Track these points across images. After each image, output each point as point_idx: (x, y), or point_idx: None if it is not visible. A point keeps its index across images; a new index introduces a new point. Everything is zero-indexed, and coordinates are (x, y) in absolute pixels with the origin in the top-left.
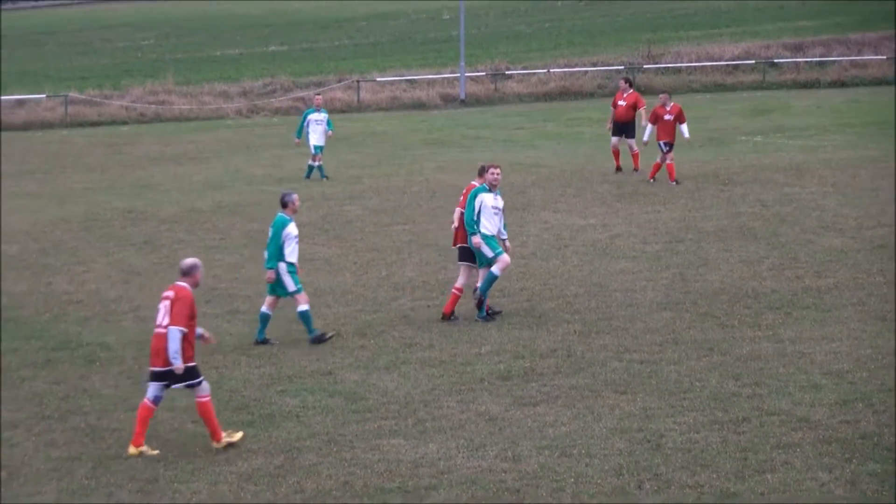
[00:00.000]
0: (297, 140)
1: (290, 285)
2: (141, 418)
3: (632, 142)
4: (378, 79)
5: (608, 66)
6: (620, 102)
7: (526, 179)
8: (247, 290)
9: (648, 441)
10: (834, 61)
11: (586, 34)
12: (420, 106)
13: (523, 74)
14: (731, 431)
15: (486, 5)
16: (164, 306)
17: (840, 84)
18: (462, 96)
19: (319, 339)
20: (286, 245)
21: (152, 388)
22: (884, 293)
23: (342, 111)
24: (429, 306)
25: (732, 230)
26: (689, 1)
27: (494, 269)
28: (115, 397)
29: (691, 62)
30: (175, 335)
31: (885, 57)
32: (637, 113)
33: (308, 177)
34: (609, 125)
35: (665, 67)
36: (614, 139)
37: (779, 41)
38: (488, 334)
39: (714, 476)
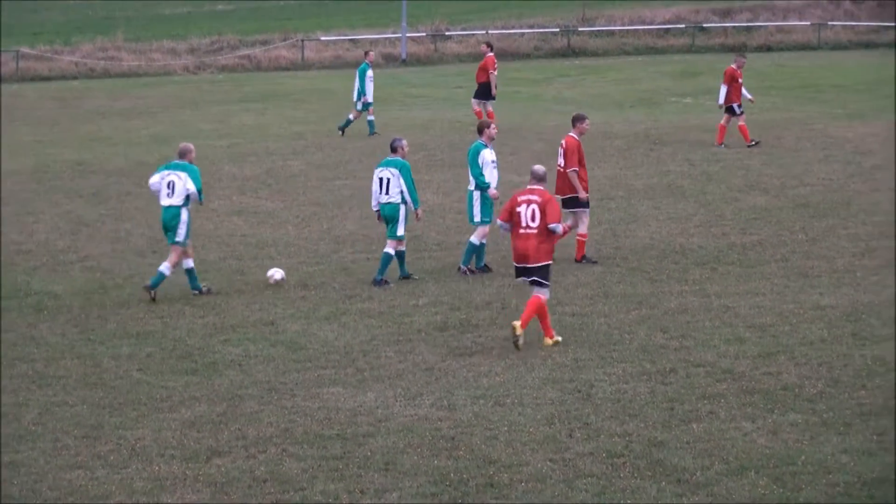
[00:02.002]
0: (364, 98)
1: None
2: (541, 314)
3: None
4: (322, 38)
5: (544, 28)
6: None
7: (464, 138)
8: (194, 241)
9: (579, 391)
10: (760, 26)
11: None
12: None
13: (462, 35)
14: (658, 382)
15: None
16: (530, 209)
17: (766, 48)
18: (403, 56)
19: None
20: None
21: (532, 287)
22: (805, 250)
23: (287, 69)
24: (368, 259)
25: (661, 188)
26: None
27: (474, 238)
28: (61, 345)
29: (624, 25)
30: (558, 230)
31: (808, 23)
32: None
33: (373, 132)
34: (494, 91)
35: (599, 30)
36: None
37: (708, 6)
38: (426, 287)
39: (642, 425)
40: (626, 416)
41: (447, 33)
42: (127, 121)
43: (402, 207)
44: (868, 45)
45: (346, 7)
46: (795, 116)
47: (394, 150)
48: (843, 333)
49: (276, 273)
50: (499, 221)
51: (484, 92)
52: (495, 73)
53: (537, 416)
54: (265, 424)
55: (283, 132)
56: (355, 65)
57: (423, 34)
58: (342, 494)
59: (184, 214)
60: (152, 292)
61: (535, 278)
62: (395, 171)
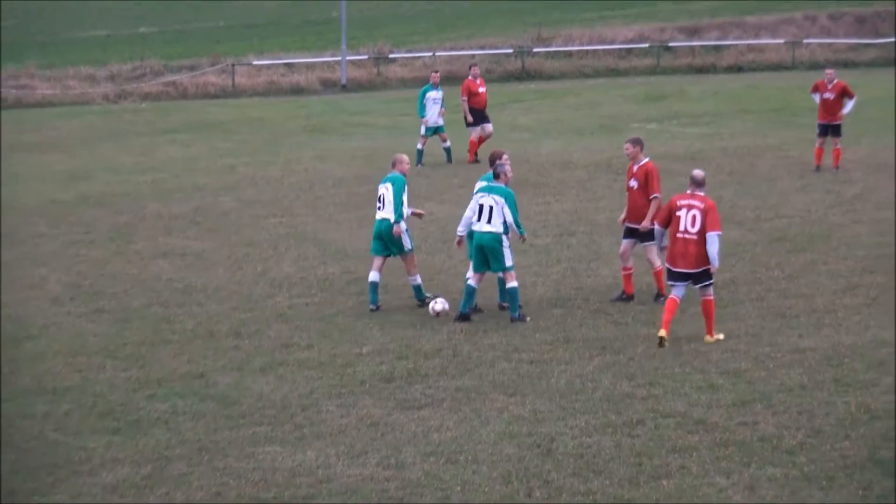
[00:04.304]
0: (424, 119)
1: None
2: (669, 309)
3: (490, 126)
4: (254, 62)
5: (496, 49)
6: (481, 90)
7: (411, 170)
8: (113, 287)
9: (538, 446)
10: (730, 45)
11: (474, 16)
12: (299, 91)
13: (407, 58)
14: (624, 435)
15: None
16: (690, 214)
17: (737, 69)
18: (343, 81)
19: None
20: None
21: (679, 289)
22: (782, 288)
23: (216, 97)
24: (307, 304)
25: None
26: None
27: (513, 282)
28: None
29: (583, 45)
30: (716, 240)
31: (782, 41)
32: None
33: (420, 162)
34: (471, 118)
35: (556, 51)
36: (477, 128)
37: (674, 24)
38: (370, 333)
39: (607, 482)
40: (590, 472)
41: (391, 56)
42: (40, 155)
43: (505, 238)
44: (847, 65)
45: (280, 29)
46: (770, 142)
47: (496, 175)
48: (824, 379)
49: (438, 303)
50: (656, 226)
51: (487, 116)
52: (464, 98)
53: (493, 474)
54: (195, 488)
55: (213, 166)
56: (291, 91)
57: (365, 57)
58: None
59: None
60: (425, 301)
61: (702, 282)
62: (501, 200)
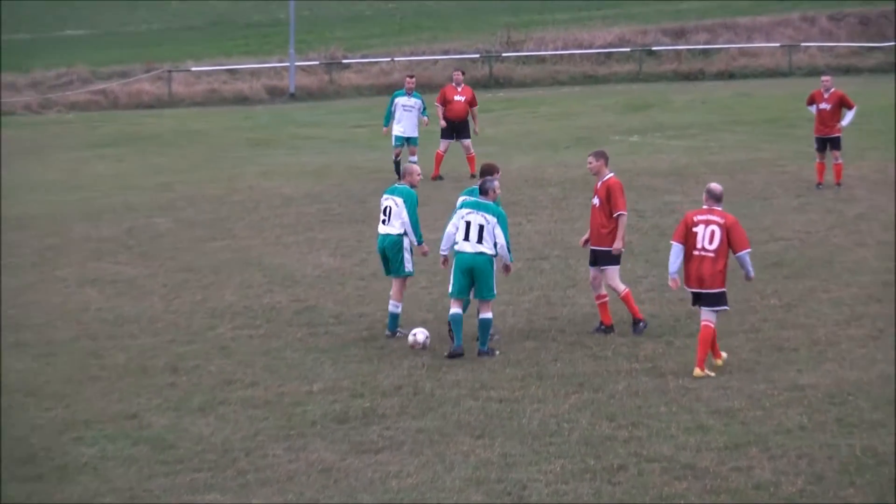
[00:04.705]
0: (384, 129)
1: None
2: (705, 339)
3: (468, 143)
4: (193, 69)
5: (461, 54)
6: (457, 98)
7: (366, 187)
8: (36, 317)
9: (509, 493)
10: (720, 49)
11: (436, 17)
12: (243, 100)
13: (363, 64)
14: (604, 481)
15: None
16: (709, 231)
17: (728, 75)
18: (292, 89)
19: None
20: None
21: (702, 312)
22: (779, 318)
23: (151, 106)
24: (251, 336)
25: None
26: None
27: (488, 313)
28: None
29: (557, 50)
30: (748, 259)
31: (777, 45)
32: (469, 110)
33: (399, 173)
34: (443, 122)
35: (527, 56)
36: (445, 141)
37: (658, 26)
38: (321, 369)
39: None
40: None
41: (344, 61)
42: None
43: (494, 260)
44: (848, 71)
45: (221, 32)
46: (764, 156)
47: (484, 191)
48: (826, 419)
49: (419, 334)
50: (673, 243)
51: (463, 128)
52: (437, 104)
53: None
54: None
55: (147, 183)
56: (234, 100)
57: (316, 63)
58: None
59: (405, 243)
60: (395, 333)
61: (711, 305)
62: (493, 219)
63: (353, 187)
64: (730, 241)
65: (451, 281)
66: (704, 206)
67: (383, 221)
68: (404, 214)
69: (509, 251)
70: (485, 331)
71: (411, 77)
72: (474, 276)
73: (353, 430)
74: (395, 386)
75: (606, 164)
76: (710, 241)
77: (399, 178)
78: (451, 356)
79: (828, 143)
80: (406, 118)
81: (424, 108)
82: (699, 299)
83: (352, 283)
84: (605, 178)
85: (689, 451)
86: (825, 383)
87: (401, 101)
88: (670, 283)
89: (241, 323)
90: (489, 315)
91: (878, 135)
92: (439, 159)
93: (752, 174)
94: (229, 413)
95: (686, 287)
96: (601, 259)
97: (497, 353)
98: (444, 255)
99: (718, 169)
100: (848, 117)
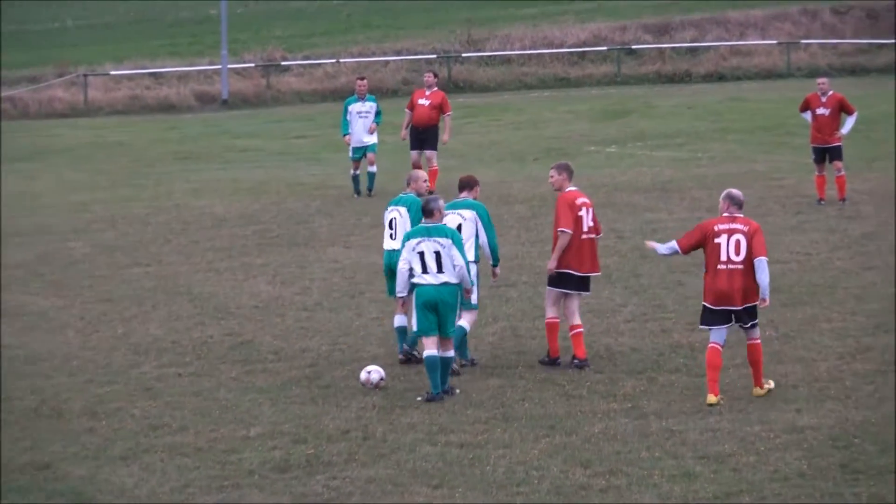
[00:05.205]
0: (345, 137)
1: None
2: (714, 364)
3: (433, 153)
4: (112, 72)
5: (416, 54)
6: (421, 101)
7: (309, 206)
8: None
9: None
10: (709, 47)
11: (388, 13)
12: (169, 108)
13: (305, 66)
14: None
15: None
16: (733, 241)
17: (717, 77)
18: (224, 95)
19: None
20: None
21: (721, 332)
22: (776, 351)
23: (64, 115)
24: (180, 375)
25: None
26: None
27: (465, 322)
28: None
29: (525, 49)
30: (765, 266)
31: (774, 42)
32: (441, 117)
33: (358, 191)
34: (404, 133)
35: (491, 56)
36: (414, 153)
37: (638, 21)
38: (259, 411)
39: None
40: None
41: (283, 64)
42: None
43: (475, 267)
44: (854, 71)
45: (145, 30)
46: (759, 168)
47: (428, 212)
48: (828, 464)
49: (373, 372)
50: (675, 244)
51: (429, 137)
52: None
53: None
54: None
55: (61, 203)
56: (159, 108)
57: (251, 65)
58: None
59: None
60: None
61: (752, 320)
62: (447, 242)
63: (293, 206)
64: (751, 245)
65: (416, 318)
66: (725, 214)
67: (390, 236)
68: (408, 226)
69: (495, 253)
70: (445, 370)
71: (362, 79)
72: (438, 312)
73: (296, 480)
74: (343, 430)
75: (570, 178)
76: (737, 253)
77: (356, 196)
78: (428, 399)
79: (827, 153)
80: (362, 126)
81: (379, 113)
82: (727, 318)
83: (293, 314)
84: (564, 194)
85: (674, 502)
86: (827, 424)
87: (354, 107)
88: (651, 244)
89: (169, 360)
90: (451, 354)
91: (885, 144)
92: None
93: (745, 188)
94: (155, 462)
95: (710, 304)
96: (554, 281)
97: (458, 391)
98: (403, 298)
99: (708, 183)
100: (848, 124)
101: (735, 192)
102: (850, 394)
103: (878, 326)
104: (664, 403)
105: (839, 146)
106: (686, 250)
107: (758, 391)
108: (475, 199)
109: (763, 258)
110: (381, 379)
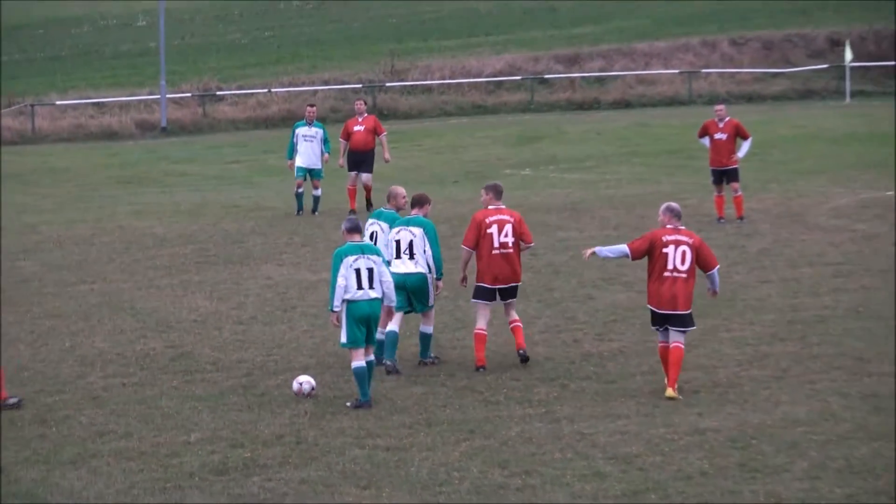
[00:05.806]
0: (288, 162)
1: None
2: (667, 359)
3: (368, 177)
4: (58, 102)
5: (343, 84)
6: (357, 128)
7: (243, 226)
8: None
9: None
10: (616, 76)
11: (315, 45)
12: (111, 135)
13: (238, 95)
14: None
15: (192, 6)
16: (679, 251)
17: (624, 104)
18: (163, 123)
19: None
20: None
21: (667, 332)
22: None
23: (12, 143)
24: (124, 384)
25: None
26: (441, 0)
27: (428, 327)
28: None
29: (444, 79)
30: (717, 275)
31: (676, 71)
32: (377, 140)
33: (301, 208)
34: (341, 160)
35: (412, 86)
36: (352, 174)
37: (550, 52)
38: (199, 418)
39: None
40: None
41: (218, 93)
42: None
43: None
44: (752, 98)
45: (88, 62)
46: (663, 190)
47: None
48: (728, 464)
49: (304, 383)
50: (626, 247)
51: (367, 161)
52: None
53: None
54: None
55: (10, 225)
56: (101, 136)
57: (188, 95)
58: None
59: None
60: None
61: (684, 326)
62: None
63: (229, 227)
64: (699, 261)
65: (345, 331)
66: (669, 226)
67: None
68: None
69: (439, 265)
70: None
71: (312, 106)
72: (369, 326)
73: (233, 482)
74: (277, 435)
75: (497, 197)
76: (683, 262)
77: (299, 213)
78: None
79: (724, 175)
80: (308, 149)
81: (327, 140)
82: (667, 320)
83: (229, 327)
84: (476, 213)
85: (585, 500)
86: (727, 426)
87: (301, 131)
88: (588, 252)
89: (113, 371)
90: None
91: (779, 166)
92: (352, 194)
93: (650, 209)
94: (102, 466)
95: (654, 308)
96: (481, 295)
97: (371, 406)
98: (337, 312)
99: (615, 203)
100: (744, 148)
101: (674, 205)
102: (748, 398)
103: (774, 336)
104: (576, 408)
105: (736, 168)
106: (636, 256)
107: (671, 392)
108: (425, 215)
109: (715, 270)
110: (312, 388)
